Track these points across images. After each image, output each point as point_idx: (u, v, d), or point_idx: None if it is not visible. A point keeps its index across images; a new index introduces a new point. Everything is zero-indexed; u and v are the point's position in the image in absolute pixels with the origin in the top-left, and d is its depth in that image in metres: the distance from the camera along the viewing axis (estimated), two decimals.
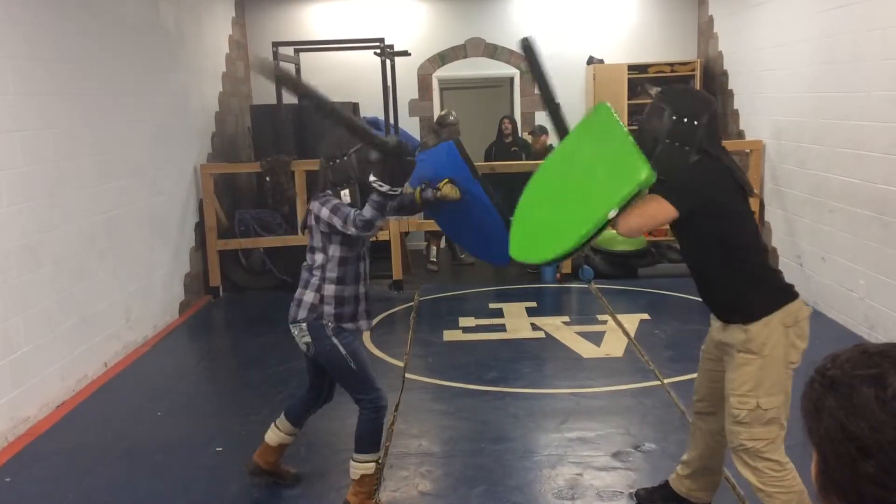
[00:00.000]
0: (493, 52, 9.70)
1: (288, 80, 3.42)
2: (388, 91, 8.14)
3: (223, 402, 5.25)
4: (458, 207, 3.63)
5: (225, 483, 3.87)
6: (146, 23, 6.55)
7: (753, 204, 7.43)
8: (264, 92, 9.13)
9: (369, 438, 3.40)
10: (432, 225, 8.33)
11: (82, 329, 5.23)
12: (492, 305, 6.98)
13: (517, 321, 6.44)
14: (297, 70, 8.69)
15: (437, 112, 9.32)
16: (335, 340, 3.30)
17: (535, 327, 6.27)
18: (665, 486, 3.41)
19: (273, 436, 3.70)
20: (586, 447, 4.06)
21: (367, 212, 3.11)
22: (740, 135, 8.05)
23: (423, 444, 4.24)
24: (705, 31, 9.20)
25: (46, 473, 4.02)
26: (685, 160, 2.85)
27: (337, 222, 3.18)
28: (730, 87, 8.40)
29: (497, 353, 5.70)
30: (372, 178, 3.11)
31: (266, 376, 5.36)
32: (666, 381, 4.89)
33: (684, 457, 3.32)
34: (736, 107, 8.23)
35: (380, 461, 3.49)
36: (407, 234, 8.09)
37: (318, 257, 3.32)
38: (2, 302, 4.38)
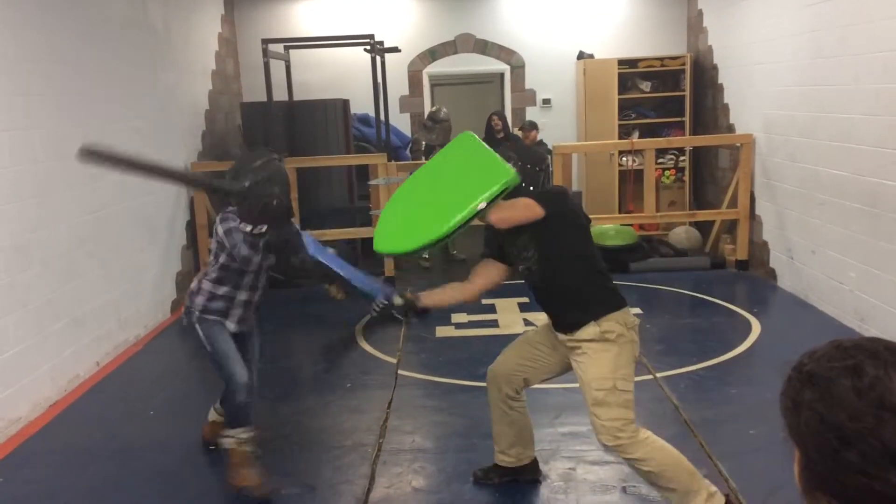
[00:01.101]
0: (484, 47, 9.69)
1: (114, 160, 3.51)
2: (379, 88, 8.13)
3: (215, 401, 5.23)
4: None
5: (218, 482, 3.86)
6: (134, 21, 6.52)
7: (744, 197, 7.47)
8: (254, 89, 9.11)
9: (231, 415, 3.74)
10: None
11: (73, 329, 5.21)
12: (484, 301, 6.98)
13: (510, 317, 6.45)
14: (288, 67, 8.68)
15: (427, 108, 9.32)
16: (197, 326, 3.71)
17: (527, 323, 6.27)
18: (496, 467, 3.65)
19: (213, 413, 4.17)
20: (579, 442, 4.07)
21: (244, 249, 3.47)
22: (730, 129, 8.08)
23: (416, 440, 4.24)
24: (695, 26, 9.21)
25: (39, 473, 4.01)
26: (537, 179, 3.33)
27: (226, 244, 3.53)
28: (720, 82, 8.42)
29: (490, 348, 5.67)
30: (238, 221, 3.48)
31: (258, 373, 5.34)
32: (658, 374, 4.90)
33: (503, 445, 3.59)
34: (726, 101, 8.25)
35: (244, 437, 3.67)
36: None
37: (210, 258, 3.75)
38: None
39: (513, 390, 3.47)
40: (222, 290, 3.68)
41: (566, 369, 3.40)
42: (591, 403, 3.13)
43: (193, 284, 3.76)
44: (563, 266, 3.21)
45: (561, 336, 3.26)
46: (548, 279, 3.24)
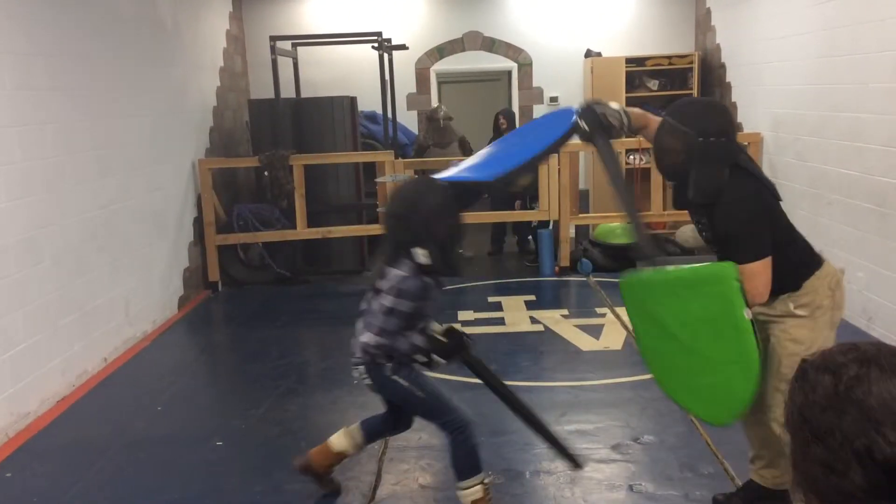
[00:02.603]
0: (491, 45, 9.68)
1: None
2: (386, 85, 8.14)
3: (223, 396, 5.26)
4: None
5: (225, 477, 3.87)
6: (143, 17, 6.54)
7: None
8: (262, 86, 9.12)
9: (464, 462, 3.22)
10: None
11: (82, 324, 5.23)
12: (490, 299, 6.99)
13: (516, 314, 6.45)
14: (295, 64, 8.69)
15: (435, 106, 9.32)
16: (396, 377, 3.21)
17: (533, 320, 6.27)
18: (748, 485, 3.33)
19: (338, 441, 3.53)
20: (586, 440, 4.07)
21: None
22: (738, 127, 8.05)
23: (423, 438, 4.24)
24: (703, 24, 9.19)
25: (47, 468, 4.03)
26: (721, 178, 2.84)
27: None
28: (728, 80, 8.40)
29: (496, 346, 5.71)
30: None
31: (265, 370, 5.37)
32: None
33: (751, 453, 3.30)
34: (734, 99, 8.23)
35: (486, 482, 3.24)
36: None
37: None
38: (1, 297, 4.38)
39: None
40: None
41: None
42: (776, 380, 2.91)
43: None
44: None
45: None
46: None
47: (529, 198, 8.35)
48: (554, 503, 3.56)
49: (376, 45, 7.95)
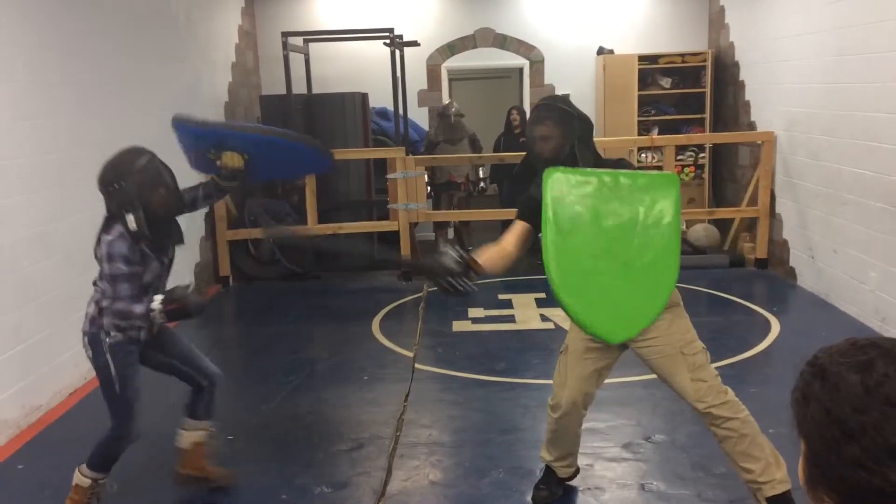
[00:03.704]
0: (503, 42, 9.66)
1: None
2: (397, 81, 8.13)
3: (233, 390, 5.24)
4: (257, 161, 3.54)
5: (237, 469, 3.88)
6: (156, 12, 6.55)
7: (764, 195, 7.42)
8: (274, 82, 9.13)
9: (101, 455, 3.43)
10: (441, 216, 8.34)
11: None
12: (501, 296, 6.98)
13: (526, 312, 6.44)
14: (307, 60, 8.69)
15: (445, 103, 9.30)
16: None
17: (544, 318, 6.26)
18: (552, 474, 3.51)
19: (183, 439, 3.64)
20: (597, 438, 4.05)
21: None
22: (751, 126, 8.01)
23: (433, 434, 4.25)
24: (716, 22, 9.14)
25: (58, 460, 4.04)
26: (596, 153, 3.21)
27: None
28: (741, 79, 8.35)
29: (506, 343, 5.70)
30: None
31: (276, 365, 5.37)
32: None
33: (560, 453, 3.43)
34: (747, 98, 8.18)
35: (100, 482, 3.43)
36: (416, 225, 8.09)
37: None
38: (13, 291, 4.40)
39: (586, 408, 3.35)
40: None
41: (619, 355, 3.26)
42: (690, 371, 3.04)
43: None
44: None
45: None
46: None
47: None
48: (564, 501, 3.55)
49: (388, 41, 7.94)
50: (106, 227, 3.24)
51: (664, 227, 2.84)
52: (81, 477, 3.39)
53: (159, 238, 3.28)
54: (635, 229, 2.86)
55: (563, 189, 2.92)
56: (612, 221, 2.88)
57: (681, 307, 3.13)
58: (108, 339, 3.28)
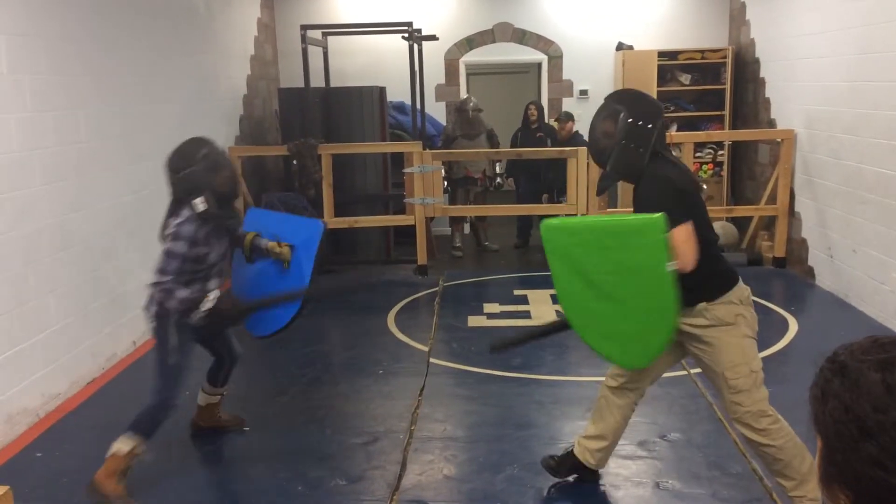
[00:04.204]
0: (522, 37, 9.63)
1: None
2: (415, 76, 8.12)
3: (249, 382, 5.28)
4: (268, 272, 3.98)
5: (251, 462, 3.90)
6: (176, 5, 6.57)
7: (783, 193, 7.36)
8: (292, 75, 9.15)
9: (145, 422, 3.66)
10: (457, 211, 8.33)
11: (111, 308, 5.29)
12: (516, 292, 6.97)
13: (542, 308, 6.42)
14: (325, 53, 8.70)
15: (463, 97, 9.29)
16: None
17: (559, 314, 6.23)
18: (570, 455, 3.54)
19: (203, 398, 4.17)
20: None
21: None
22: (771, 123, 7.95)
23: (448, 429, 4.25)
24: (737, 18, 9.06)
25: (76, 449, 4.08)
26: (640, 161, 3.09)
27: None
28: (761, 76, 8.28)
29: None
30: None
31: (291, 357, 5.40)
32: (692, 371, 4.85)
33: (594, 431, 3.47)
34: (767, 95, 8.11)
35: (138, 451, 3.58)
36: (432, 219, 8.09)
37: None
38: (33, 280, 4.44)
39: (640, 397, 3.48)
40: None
41: (682, 358, 3.37)
42: (729, 393, 3.08)
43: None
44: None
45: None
46: None
47: (557, 191, 8.31)
48: (579, 499, 3.55)
49: (406, 35, 7.94)
50: (173, 211, 3.58)
51: (651, 269, 2.94)
52: (120, 445, 3.54)
53: (224, 217, 3.61)
54: (623, 275, 3.02)
55: (558, 241, 3.17)
56: (600, 272, 3.06)
57: (737, 327, 3.07)
58: (173, 317, 3.57)
